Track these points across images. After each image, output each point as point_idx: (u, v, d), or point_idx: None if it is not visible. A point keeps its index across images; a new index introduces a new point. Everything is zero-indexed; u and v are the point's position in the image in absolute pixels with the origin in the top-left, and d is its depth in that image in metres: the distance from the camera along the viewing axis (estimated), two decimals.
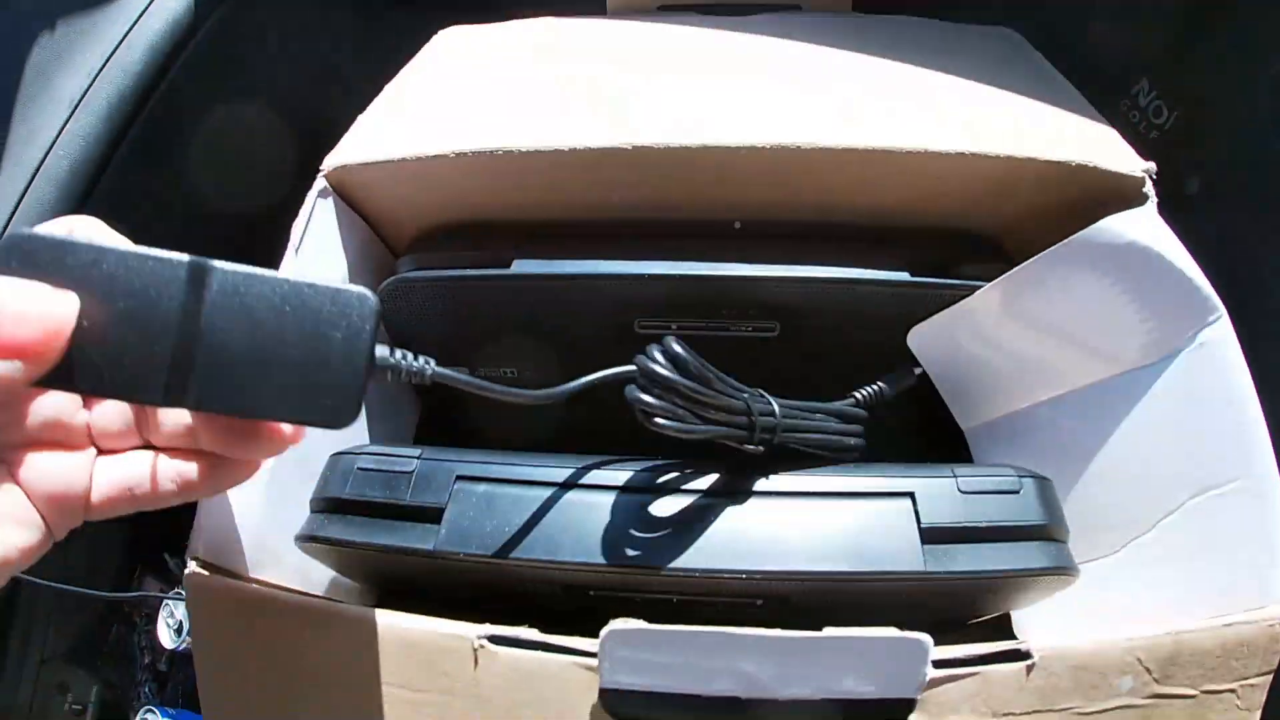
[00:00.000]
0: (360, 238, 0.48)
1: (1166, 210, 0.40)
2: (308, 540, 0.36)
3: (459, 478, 0.34)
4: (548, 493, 0.34)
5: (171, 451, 0.28)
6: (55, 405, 0.26)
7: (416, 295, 0.45)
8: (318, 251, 0.44)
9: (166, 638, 0.79)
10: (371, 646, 0.34)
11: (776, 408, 0.34)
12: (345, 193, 0.46)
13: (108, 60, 0.76)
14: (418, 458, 0.35)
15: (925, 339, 0.45)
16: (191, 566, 0.37)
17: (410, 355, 0.29)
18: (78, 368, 0.24)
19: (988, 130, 0.43)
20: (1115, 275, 0.39)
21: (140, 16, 0.80)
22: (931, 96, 0.47)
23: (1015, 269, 0.40)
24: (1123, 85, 0.74)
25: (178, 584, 0.90)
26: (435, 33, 0.62)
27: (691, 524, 0.32)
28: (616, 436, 0.34)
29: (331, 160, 0.45)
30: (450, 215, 0.49)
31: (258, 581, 0.37)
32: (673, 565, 0.31)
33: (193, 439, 0.27)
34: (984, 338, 0.43)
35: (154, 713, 0.78)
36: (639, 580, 0.33)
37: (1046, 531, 0.33)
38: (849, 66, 0.51)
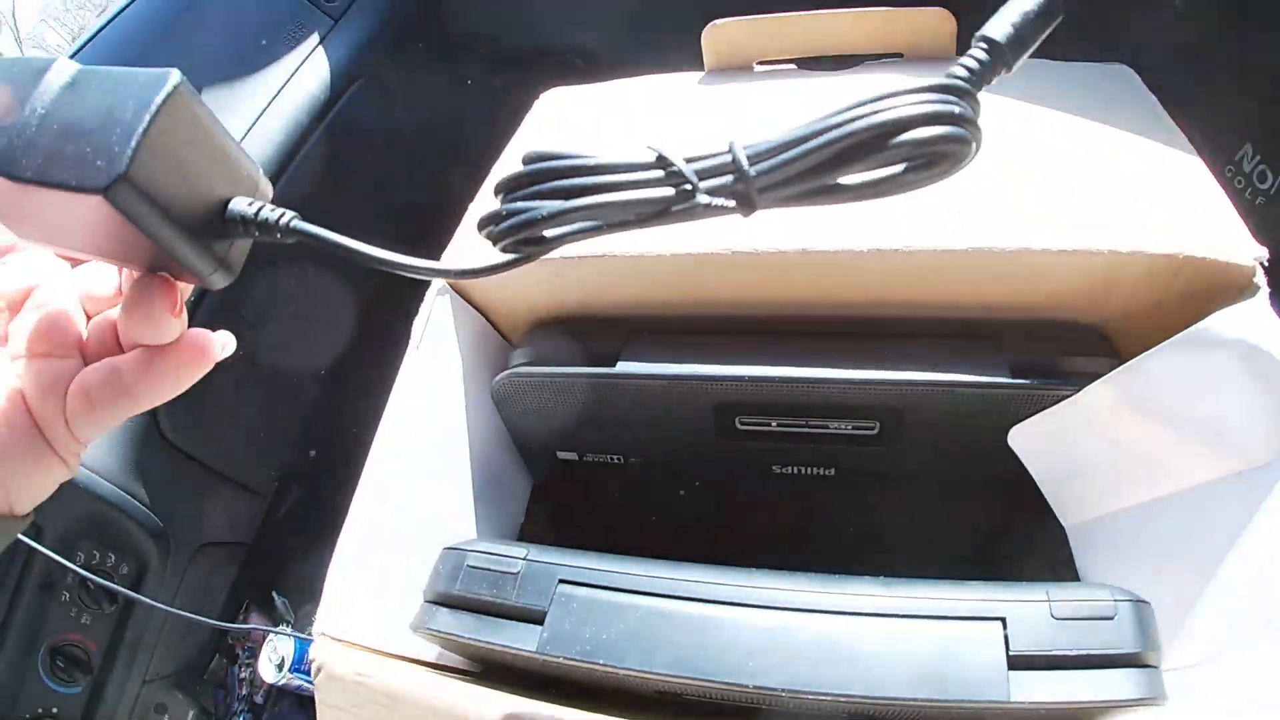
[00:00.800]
0: (475, 330, 0.51)
1: (1274, 277, 0.39)
2: (420, 630, 0.39)
3: (561, 581, 0.36)
4: (644, 602, 0.35)
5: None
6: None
7: (528, 389, 0.48)
8: (436, 345, 0.47)
9: (269, 672, 0.83)
10: None
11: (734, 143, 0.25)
12: (461, 289, 0.49)
13: (248, 131, 0.82)
14: (524, 559, 0.37)
15: (1028, 437, 0.45)
16: (320, 644, 0.39)
17: (269, 206, 0.28)
18: None
19: (1091, 216, 0.42)
20: (1225, 373, 0.38)
21: (280, 91, 0.86)
22: (1035, 169, 0.46)
23: (1123, 366, 0.40)
24: (1226, 152, 0.73)
25: (283, 621, 0.94)
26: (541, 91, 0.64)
27: (780, 641, 0.33)
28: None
29: (448, 260, 0.48)
30: (560, 310, 0.51)
31: (378, 652, 0.39)
32: (759, 684, 0.32)
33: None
34: (1091, 435, 0.43)
35: None
36: (727, 693, 0.34)
37: (1139, 659, 0.33)
38: None
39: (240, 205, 0.27)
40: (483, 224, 0.25)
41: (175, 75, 0.25)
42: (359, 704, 0.38)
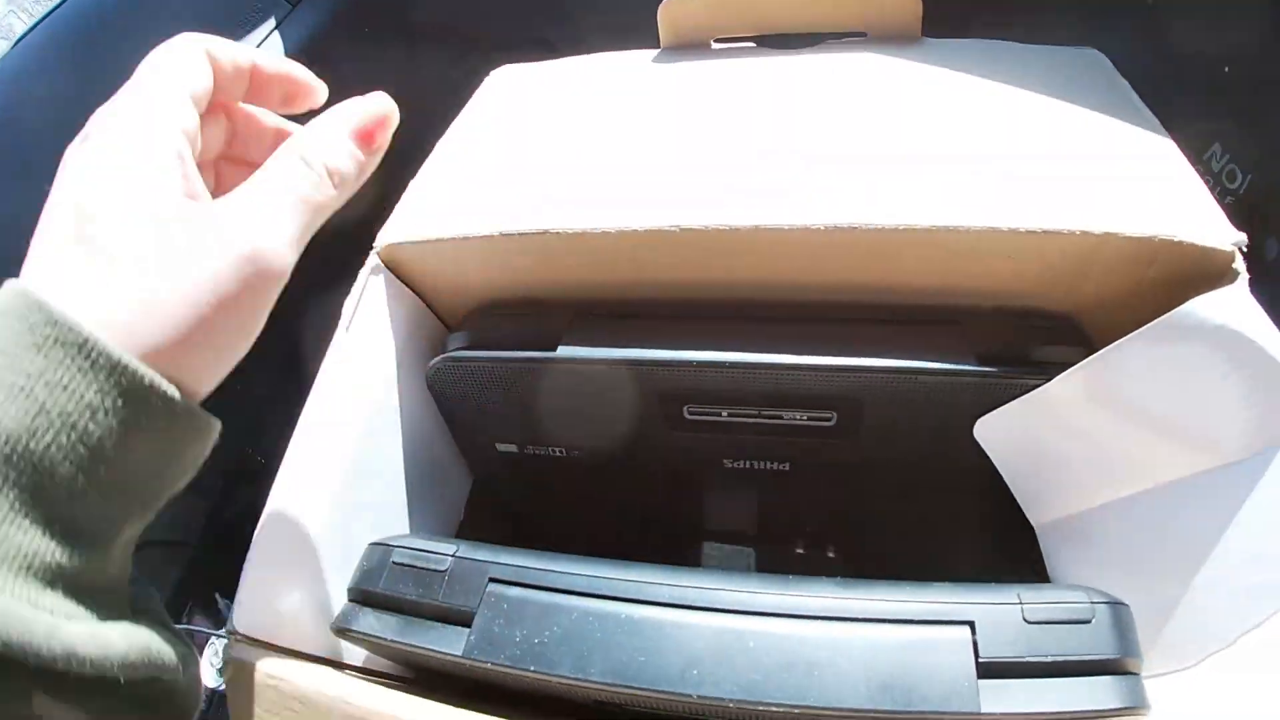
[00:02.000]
0: (412, 312, 0.48)
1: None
2: (341, 631, 0.36)
3: (492, 579, 0.34)
4: (581, 603, 0.32)
5: None
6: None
7: (464, 374, 0.45)
8: (369, 327, 0.45)
9: (209, 676, 0.81)
10: None
11: None
12: (397, 269, 0.47)
13: None
14: (452, 555, 0.35)
15: (995, 429, 0.43)
16: (231, 644, 0.37)
17: None
18: None
19: (1062, 197, 0.40)
20: (1205, 362, 0.36)
21: None
22: (1003, 151, 0.45)
23: (1096, 355, 0.38)
24: (1195, 151, 0.71)
25: (225, 624, 0.91)
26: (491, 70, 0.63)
27: (728, 647, 0.30)
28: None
29: (384, 238, 0.45)
30: (502, 291, 0.49)
31: (295, 654, 0.37)
32: (703, 694, 0.30)
33: None
34: (1061, 428, 0.41)
35: None
36: (669, 703, 0.31)
37: (1119, 665, 0.31)
38: (916, 110, 0.49)
39: None
40: None
41: None
42: (270, 709, 0.35)
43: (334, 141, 0.32)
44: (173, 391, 0.27)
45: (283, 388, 0.94)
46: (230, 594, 0.89)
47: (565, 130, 0.52)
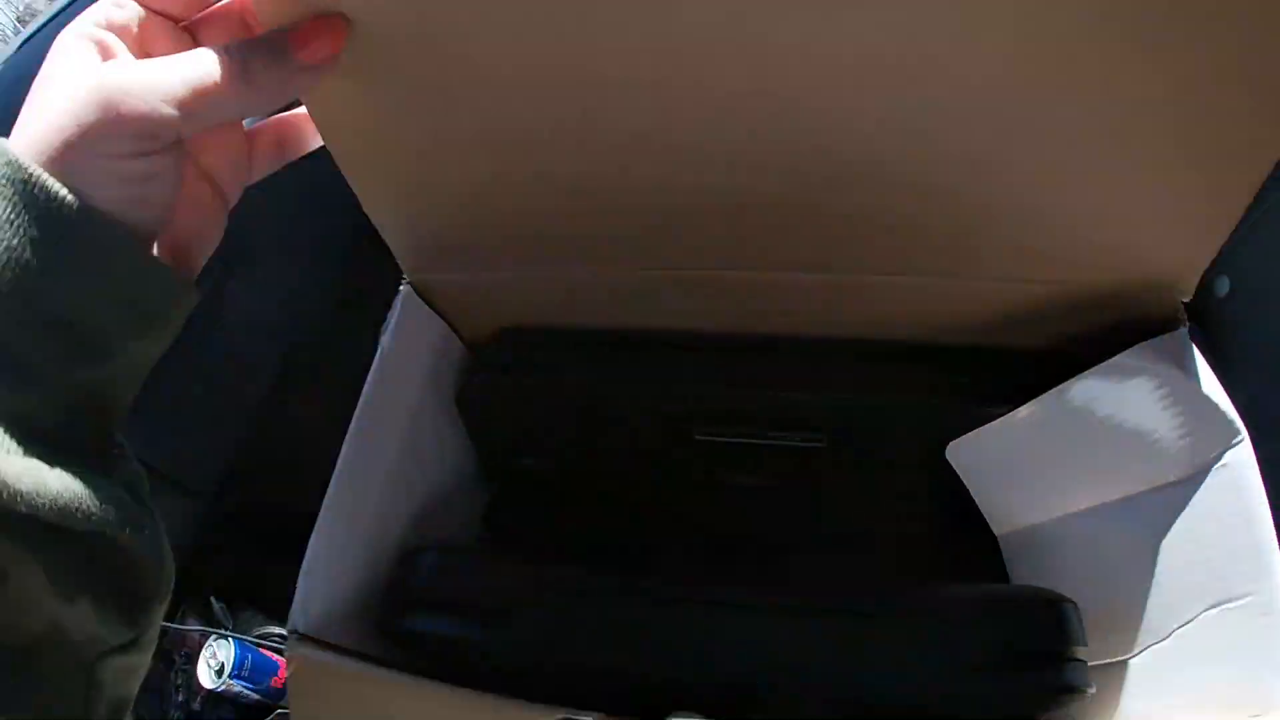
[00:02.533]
0: (439, 337, 0.51)
1: (1195, 313, 0.41)
2: (387, 630, 0.39)
3: (525, 581, 0.37)
4: (604, 602, 0.36)
5: None
6: None
7: (492, 396, 0.48)
8: (402, 351, 0.47)
9: (206, 678, 0.79)
10: None
11: None
12: (426, 294, 0.49)
13: None
14: (487, 560, 0.39)
15: (964, 452, 0.47)
16: (292, 641, 0.38)
17: None
18: None
19: (1033, 249, 0.42)
20: (1148, 398, 0.40)
21: None
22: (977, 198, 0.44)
23: (1057, 388, 0.42)
24: None
25: (219, 626, 0.90)
26: None
27: (723, 637, 0.34)
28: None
29: (413, 268, 0.47)
30: (523, 318, 0.51)
31: (349, 652, 0.39)
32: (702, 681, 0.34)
33: None
34: (1022, 451, 0.45)
35: None
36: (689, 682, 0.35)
37: (1067, 654, 0.35)
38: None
39: None
40: None
41: None
42: (330, 703, 0.38)
43: (261, 40, 0.30)
44: (67, 194, 0.26)
45: (274, 398, 0.95)
46: (223, 596, 0.87)
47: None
